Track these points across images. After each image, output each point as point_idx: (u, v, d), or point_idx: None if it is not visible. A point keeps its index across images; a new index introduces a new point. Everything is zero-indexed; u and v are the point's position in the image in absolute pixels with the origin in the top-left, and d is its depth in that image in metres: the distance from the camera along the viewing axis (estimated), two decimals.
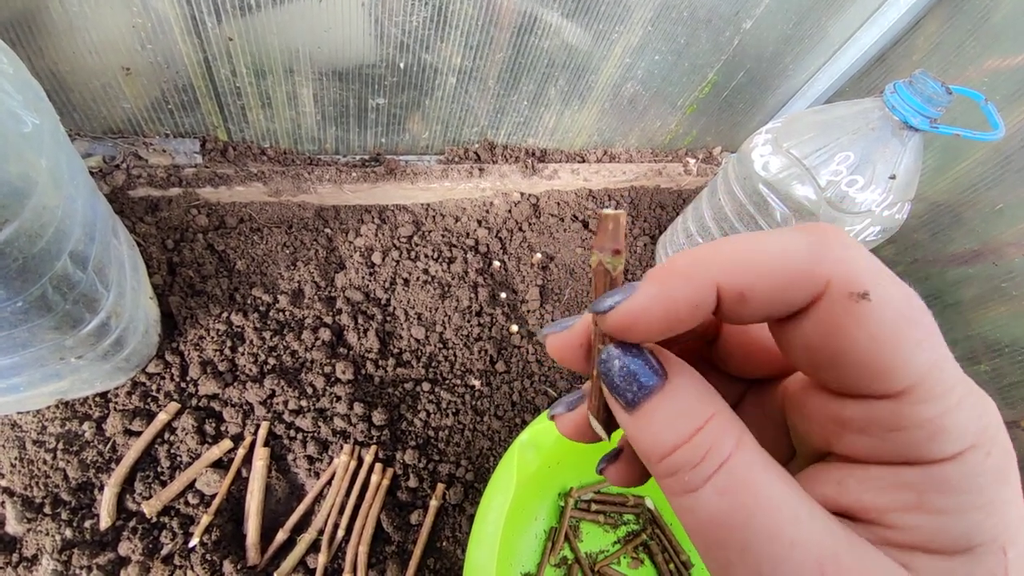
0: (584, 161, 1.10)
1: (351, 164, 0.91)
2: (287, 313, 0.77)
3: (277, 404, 0.70)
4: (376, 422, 0.72)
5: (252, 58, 0.73)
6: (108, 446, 0.63)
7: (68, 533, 0.58)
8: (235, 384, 0.70)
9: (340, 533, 0.65)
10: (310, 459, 0.69)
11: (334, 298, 0.82)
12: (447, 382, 0.80)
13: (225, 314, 0.74)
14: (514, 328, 0.88)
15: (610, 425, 0.21)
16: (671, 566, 0.75)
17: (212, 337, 0.72)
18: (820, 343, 0.16)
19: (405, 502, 0.70)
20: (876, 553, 0.15)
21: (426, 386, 0.78)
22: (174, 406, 0.66)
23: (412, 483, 0.70)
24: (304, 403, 0.71)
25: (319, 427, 0.70)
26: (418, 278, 0.86)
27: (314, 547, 0.64)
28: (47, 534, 0.58)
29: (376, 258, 0.86)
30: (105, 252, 0.54)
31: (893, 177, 0.70)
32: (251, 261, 0.80)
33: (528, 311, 0.91)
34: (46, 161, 0.42)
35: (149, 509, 0.61)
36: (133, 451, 0.63)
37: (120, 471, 0.62)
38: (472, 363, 0.82)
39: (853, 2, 0.97)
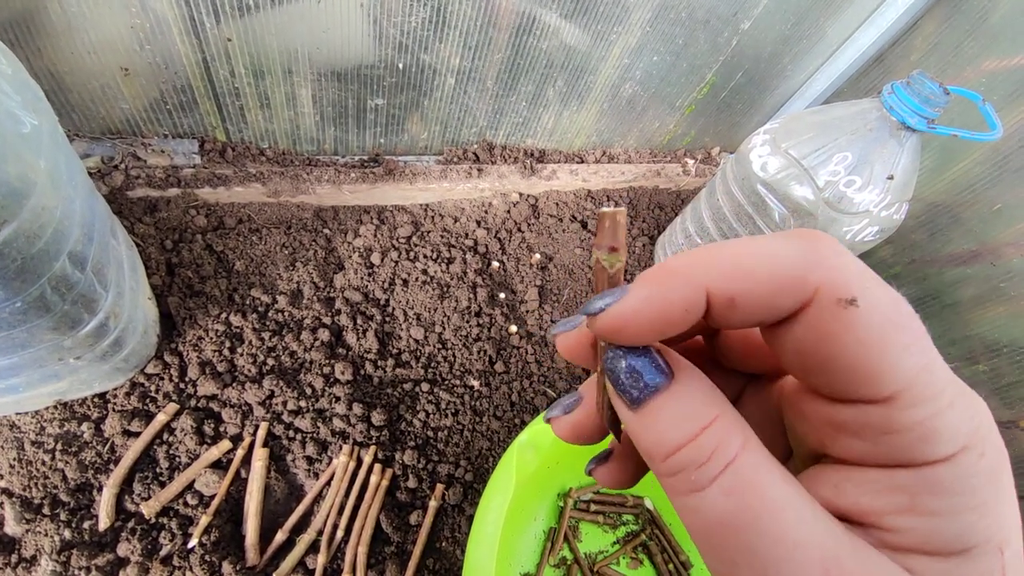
0: (583, 162, 1.10)
1: (350, 165, 0.91)
2: (286, 314, 0.77)
3: (276, 405, 0.70)
4: (375, 422, 0.72)
5: (251, 59, 0.73)
6: (107, 447, 0.63)
7: (67, 534, 0.58)
8: (234, 385, 0.70)
9: (339, 534, 0.65)
10: (309, 460, 0.69)
11: (333, 299, 0.82)
12: (446, 382, 0.80)
13: (224, 315, 0.74)
14: (513, 328, 0.88)
15: (615, 424, 0.21)
16: (670, 566, 0.75)
17: (211, 338, 0.72)
18: (810, 348, 0.16)
19: (404, 502, 0.70)
20: (878, 556, 0.15)
21: (425, 386, 0.78)
22: (173, 407, 0.66)
23: (411, 483, 0.70)
24: (303, 404, 0.71)
25: (318, 427, 0.70)
26: (417, 279, 0.86)
27: (313, 548, 0.64)
28: (46, 535, 0.58)
29: (375, 258, 0.86)
30: (104, 253, 0.53)
31: (891, 177, 0.70)
32: (250, 262, 0.80)
33: (527, 311, 0.91)
34: (45, 162, 0.42)
35: (148, 510, 0.61)
36: (132, 452, 0.63)
37: (119, 472, 0.62)
38: (471, 363, 0.82)
39: (851, 3, 0.97)
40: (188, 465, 0.64)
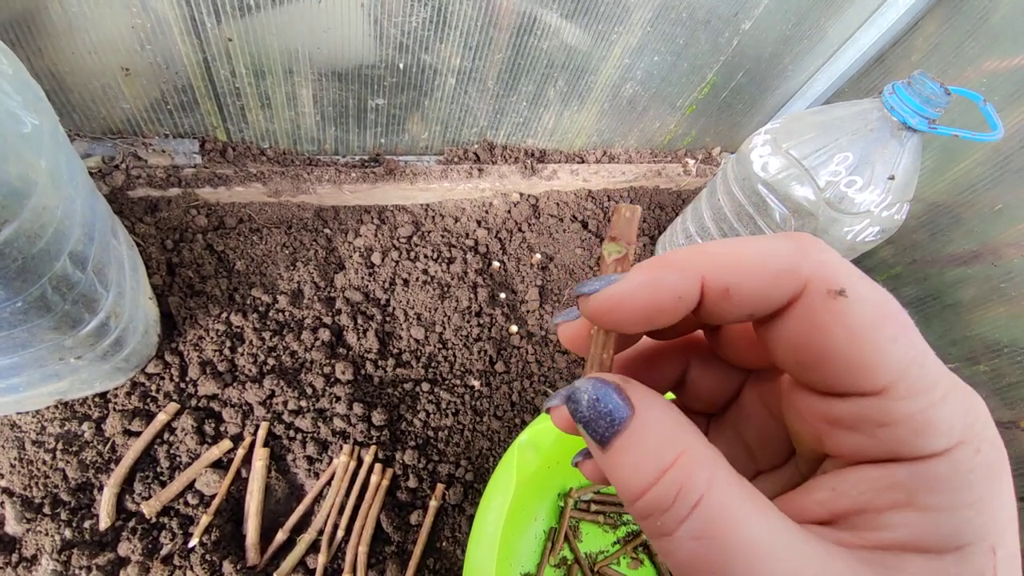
0: (583, 162, 1.10)
1: (350, 164, 0.91)
2: (286, 313, 0.77)
3: (277, 404, 0.70)
4: (376, 422, 0.72)
5: (251, 59, 0.73)
6: (107, 446, 0.63)
7: (67, 533, 0.58)
8: (234, 384, 0.70)
9: (340, 533, 0.65)
10: (310, 459, 0.69)
11: (333, 298, 0.82)
12: (447, 382, 0.80)
13: (224, 314, 0.74)
14: (514, 328, 0.88)
15: None
16: None
17: (211, 337, 0.72)
18: (802, 342, 0.17)
19: (405, 502, 0.70)
20: (853, 565, 0.15)
21: (425, 386, 0.78)
22: (173, 406, 0.66)
23: (412, 483, 0.70)
24: (304, 403, 0.71)
25: (319, 427, 0.70)
26: (417, 278, 0.86)
27: (314, 547, 0.64)
28: (46, 534, 0.58)
29: (375, 258, 0.86)
30: (104, 252, 0.54)
31: (892, 178, 0.70)
32: (250, 261, 0.80)
33: (527, 311, 0.91)
34: (45, 162, 0.42)
35: (148, 509, 0.61)
36: (132, 451, 0.63)
37: (119, 471, 0.62)
38: (472, 363, 0.82)
39: (852, 3, 0.97)
40: (189, 465, 0.64)
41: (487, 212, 0.99)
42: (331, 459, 0.69)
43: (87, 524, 0.59)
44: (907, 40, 1.00)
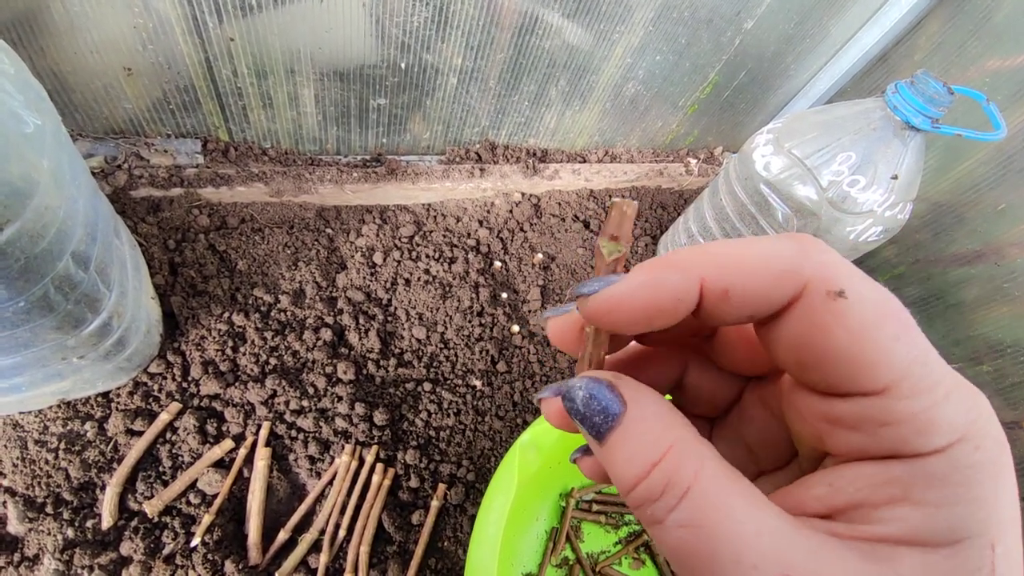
0: (585, 161, 1.10)
1: (352, 164, 0.91)
2: (288, 313, 0.77)
3: (279, 404, 0.70)
4: (377, 422, 0.72)
5: (253, 58, 0.73)
6: (110, 446, 0.63)
7: (70, 533, 0.58)
8: (237, 384, 0.70)
9: (341, 533, 0.65)
10: (311, 459, 0.69)
11: (335, 298, 0.82)
12: (448, 382, 0.80)
13: (227, 314, 0.74)
14: (515, 328, 0.88)
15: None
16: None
17: (214, 337, 0.72)
18: (803, 342, 0.17)
19: (406, 502, 0.70)
20: (843, 553, 0.15)
21: (427, 386, 0.78)
22: (176, 406, 0.66)
23: (413, 483, 0.70)
24: (305, 403, 0.71)
25: (320, 427, 0.70)
26: (419, 278, 0.86)
27: (315, 547, 0.64)
28: (49, 534, 0.58)
29: (377, 258, 0.86)
30: (107, 252, 0.54)
31: (895, 177, 0.70)
32: (252, 261, 0.80)
33: (529, 311, 0.91)
34: (48, 161, 0.42)
35: (151, 509, 0.61)
36: (135, 451, 0.63)
37: (122, 471, 0.62)
38: (473, 363, 0.82)
39: (855, 2, 0.96)
40: (191, 464, 0.65)
41: (489, 212, 0.99)
42: (333, 459, 0.69)
43: (89, 523, 0.59)
44: (910, 39, 1.00)
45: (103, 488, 0.61)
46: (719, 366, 0.23)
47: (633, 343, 0.24)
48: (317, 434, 0.70)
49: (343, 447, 0.70)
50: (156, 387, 0.68)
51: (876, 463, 0.16)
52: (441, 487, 0.70)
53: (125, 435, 0.64)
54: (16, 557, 0.57)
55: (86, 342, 0.54)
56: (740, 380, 0.24)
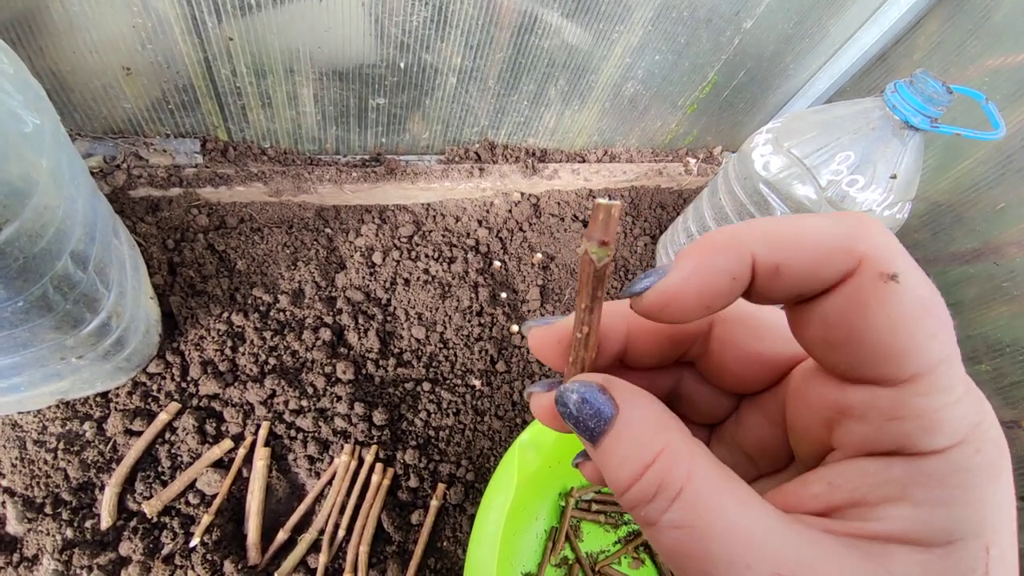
0: (584, 161, 1.10)
1: (351, 164, 0.91)
2: (288, 313, 0.77)
3: (278, 404, 0.70)
4: (377, 422, 0.72)
5: (252, 58, 0.73)
6: (109, 446, 0.63)
7: (69, 533, 0.58)
8: (236, 384, 0.70)
9: (341, 533, 0.65)
10: (311, 459, 0.69)
11: (334, 298, 0.82)
12: (448, 382, 0.80)
13: (226, 314, 0.74)
14: (515, 328, 0.88)
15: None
16: None
17: (213, 337, 0.72)
18: (839, 321, 0.16)
19: (406, 502, 0.70)
20: (837, 549, 0.15)
21: (427, 386, 0.78)
22: (175, 406, 0.66)
23: (413, 483, 0.70)
24: (305, 403, 0.71)
25: (320, 427, 0.70)
26: (418, 278, 0.86)
27: (315, 547, 0.64)
28: (48, 534, 0.58)
29: (376, 258, 0.86)
30: (106, 252, 0.54)
31: (894, 177, 0.70)
32: (251, 261, 0.80)
33: (529, 311, 0.91)
34: (47, 161, 0.42)
35: (150, 509, 0.61)
36: (134, 451, 0.63)
37: (121, 471, 0.62)
38: (473, 363, 0.82)
39: (854, 1, 0.96)
40: (190, 464, 0.64)
41: (488, 212, 0.99)
42: (332, 459, 0.69)
43: (88, 524, 0.59)
44: (909, 39, 1.00)
45: (102, 488, 0.61)
46: (713, 384, 0.24)
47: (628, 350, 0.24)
48: (316, 434, 0.70)
49: (342, 447, 0.70)
50: (155, 387, 0.68)
51: (876, 461, 0.16)
52: (440, 487, 0.70)
53: (124, 435, 0.64)
54: (15, 557, 0.57)
55: (85, 342, 0.54)
56: (735, 399, 0.24)
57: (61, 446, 0.62)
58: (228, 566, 0.60)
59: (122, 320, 0.58)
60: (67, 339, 0.52)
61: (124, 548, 0.59)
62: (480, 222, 0.97)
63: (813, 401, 0.18)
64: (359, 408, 0.72)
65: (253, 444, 0.67)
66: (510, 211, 1.00)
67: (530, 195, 1.03)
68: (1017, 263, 0.88)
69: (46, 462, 0.61)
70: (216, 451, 0.65)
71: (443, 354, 0.82)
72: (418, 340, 0.82)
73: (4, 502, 0.59)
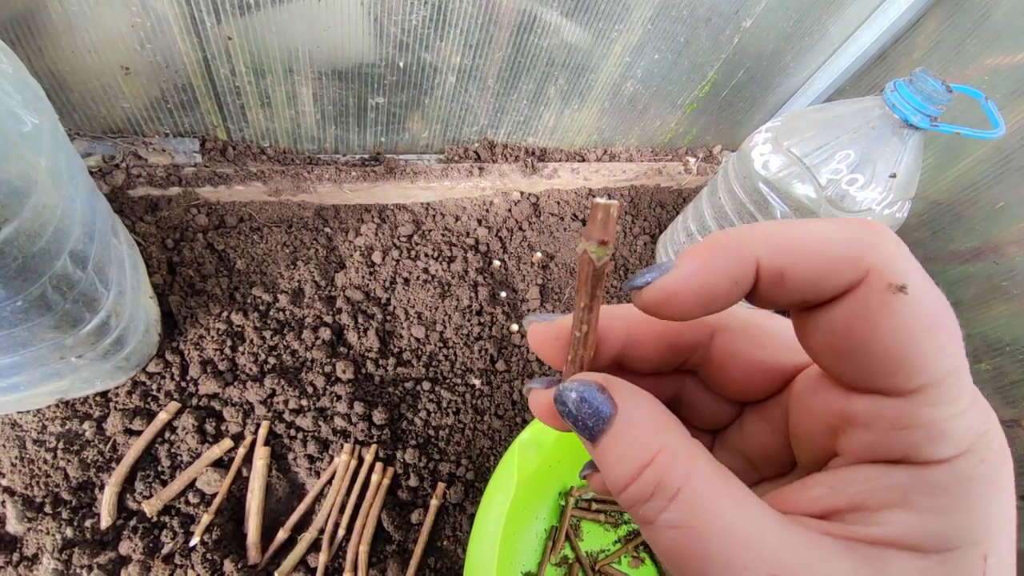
0: (584, 160, 1.10)
1: (351, 163, 0.91)
2: (287, 312, 0.77)
3: (277, 403, 0.70)
4: (376, 421, 0.72)
5: (251, 57, 0.73)
6: (108, 445, 0.63)
7: (68, 532, 0.58)
8: (235, 383, 0.70)
9: (341, 532, 0.65)
10: (310, 458, 0.69)
11: (334, 297, 0.82)
12: (447, 381, 0.80)
13: (225, 313, 0.74)
14: (514, 327, 0.88)
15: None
16: None
17: (212, 336, 0.72)
18: (846, 331, 0.16)
19: (406, 501, 0.70)
20: (834, 552, 0.15)
21: (426, 385, 0.78)
22: (174, 405, 0.66)
23: (413, 482, 0.70)
24: (304, 402, 0.71)
25: (319, 426, 0.70)
26: (418, 277, 0.86)
27: (315, 546, 0.64)
28: (47, 533, 0.58)
29: (376, 257, 0.86)
30: (105, 251, 0.54)
31: (894, 175, 0.70)
32: (251, 260, 0.80)
33: (528, 310, 0.91)
34: (45, 161, 0.42)
35: (150, 508, 0.61)
36: (133, 450, 0.63)
37: (120, 470, 0.62)
38: (472, 362, 0.82)
39: (853, 0, 0.96)
40: (190, 464, 0.64)
41: (488, 211, 0.99)
42: (332, 458, 0.69)
43: (88, 523, 0.59)
44: (908, 37, 1.00)
45: (102, 487, 0.61)
46: (715, 391, 0.24)
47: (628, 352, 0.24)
48: (316, 433, 0.70)
49: (342, 446, 0.70)
50: (155, 386, 0.68)
51: (879, 467, 0.16)
52: (440, 486, 0.70)
53: (124, 434, 0.64)
54: (15, 557, 0.57)
55: (84, 341, 0.54)
56: (737, 406, 0.24)
57: (61, 445, 0.62)
58: (228, 565, 0.60)
59: (121, 319, 0.58)
60: (66, 338, 0.52)
61: (124, 547, 0.59)
62: (480, 221, 0.97)
63: (817, 408, 0.18)
64: (359, 407, 0.72)
65: (253, 443, 0.67)
66: (510, 210, 1.00)
67: (530, 194, 1.03)
68: (1016, 262, 0.88)
69: (46, 461, 0.61)
70: (216, 450, 0.65)
71: (443, 353, 0.82)
72: (418, 339, 0.82)
73: (4, 501, 0.59)
